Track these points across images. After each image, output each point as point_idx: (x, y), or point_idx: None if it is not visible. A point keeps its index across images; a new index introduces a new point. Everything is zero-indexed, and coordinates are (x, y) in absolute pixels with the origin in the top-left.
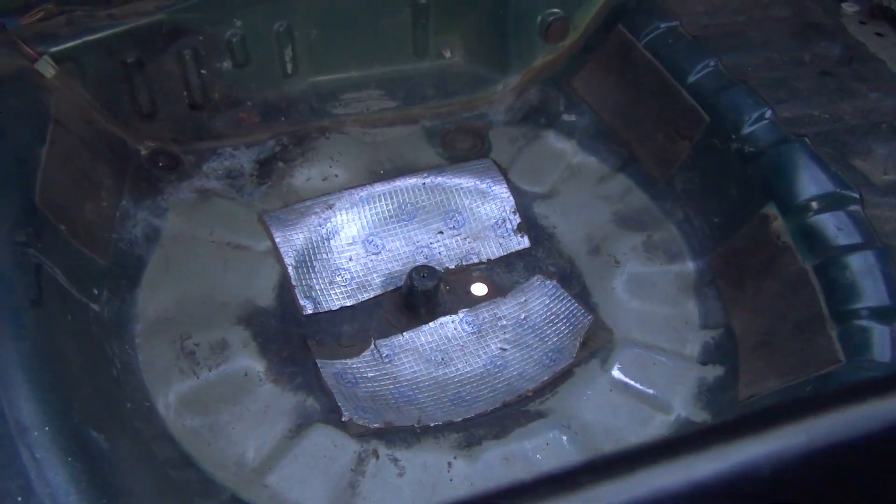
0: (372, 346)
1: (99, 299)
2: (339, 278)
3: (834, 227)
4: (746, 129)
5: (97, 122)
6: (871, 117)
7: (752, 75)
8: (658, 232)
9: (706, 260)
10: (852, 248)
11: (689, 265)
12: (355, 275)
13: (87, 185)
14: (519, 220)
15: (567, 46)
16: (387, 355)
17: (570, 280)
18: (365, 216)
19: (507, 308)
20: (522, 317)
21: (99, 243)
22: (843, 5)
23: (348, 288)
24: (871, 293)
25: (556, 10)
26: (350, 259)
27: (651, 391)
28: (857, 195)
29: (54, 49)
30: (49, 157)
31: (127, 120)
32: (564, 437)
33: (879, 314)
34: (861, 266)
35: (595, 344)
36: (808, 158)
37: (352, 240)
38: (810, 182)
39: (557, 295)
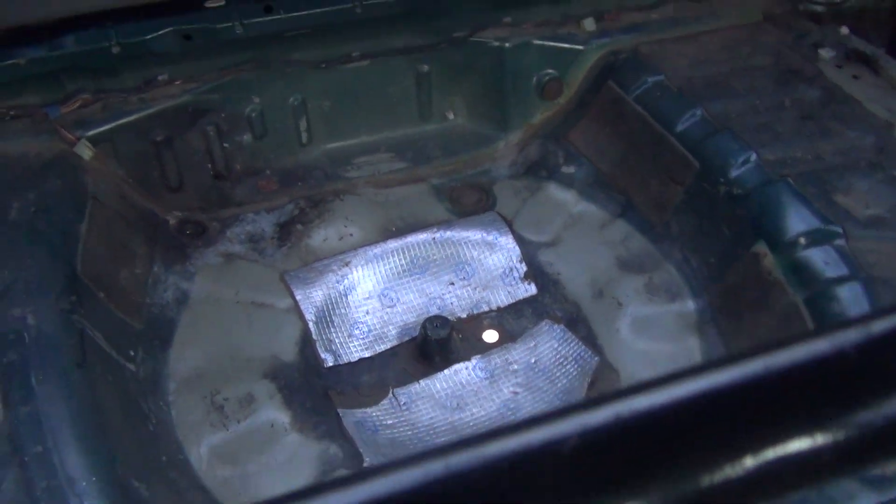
0: (390, 394)
1: (135, 360)
2: (357, 331)
3: (821, 261)
4: (734, 173)
5: (130, 197)
6: (851, 154)
7: (736, 121)
8: (658, 273)
9: (705, 298)
10: (839, 281)
11: (690, 304)
12: (372, 328)
13: (122, 253)
14: (525, 269)
15: (562, 103)
16: (404, 403)
17: (577, 324)
18: (379, 271)
19: (518, 353)
20: (532, 361)
21: (134, 308)
22: (820, 51)
23: (366, 340)
24: None
25: (550, 70)
26: (367, 313)
27: None
28: (840, 230)
29: (91, 133)
30: (88, 230)
31: (157, 193)
32: None
33: None
34: (848, 297)
35: (603, 385)
36: (792, 197)
37: (368, 294)
38: (796, 219)
39: (565, 338)
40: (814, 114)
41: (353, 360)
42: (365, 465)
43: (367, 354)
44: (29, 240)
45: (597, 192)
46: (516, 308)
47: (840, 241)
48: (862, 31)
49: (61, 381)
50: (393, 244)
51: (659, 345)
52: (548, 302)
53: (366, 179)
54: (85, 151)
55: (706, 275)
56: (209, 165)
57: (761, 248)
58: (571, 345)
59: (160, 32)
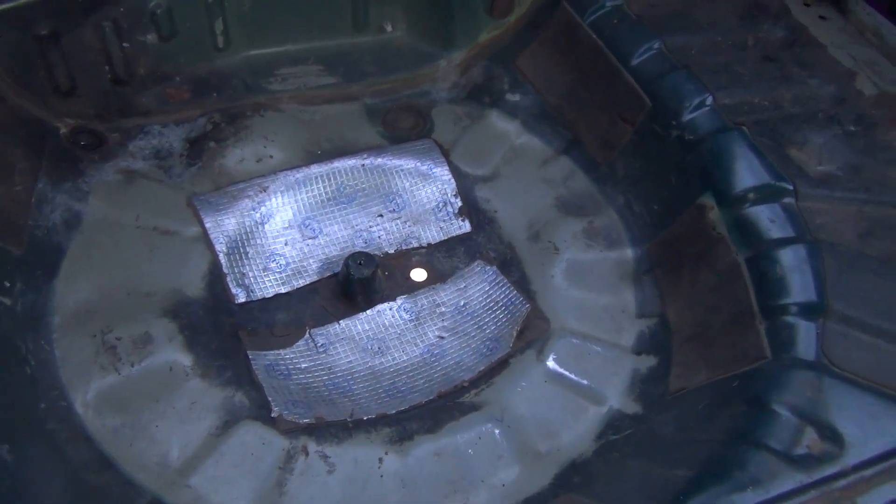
0: (307, 335)
1: (11, 292)
2: (273, 264)
3: (767, 219)
4: (687, 116)
5: (8, 99)
6: (810, 105)
7: (695, 59)
8: (598, 218)
9: (645, 248)
10: (784, 242)
11: (629, 252)
12: (290, 261)
13: None
14: (460, 204)
15: (512, 22)
16: (322, 344)
17: (510, 267)
18: (301, 199)
19: (447, 294)
20: (462, 304)
21: (11, 231)
22: None
23: (283, 275)
24: (800, 289)
25: None
26: (285, 244)
27: (585, 382)
28: (790, 187)
29: None
30: None
31: (43, 96)
32: (497, 431)
33: (807, 310)
34: (791, 261)
35: (532, 334)
36: (745, 148)
37: (287, 224)
38: (746, 173)
39: (497, 282)
40: (776, 56)
41: (267, 295)
42: (273, 414)
43: (283, 290)
44: None
45: (541, 124)
46: (448, 246)
47: (789, 199)
48: None
49: None
50: (317, 169)
51: (593, 294)
52: (482, 241)
53: (290, 94)
54: None
55: (648, 223)
56: (106, 68)
57: (708, 200)
58: (503, 289)
59: None
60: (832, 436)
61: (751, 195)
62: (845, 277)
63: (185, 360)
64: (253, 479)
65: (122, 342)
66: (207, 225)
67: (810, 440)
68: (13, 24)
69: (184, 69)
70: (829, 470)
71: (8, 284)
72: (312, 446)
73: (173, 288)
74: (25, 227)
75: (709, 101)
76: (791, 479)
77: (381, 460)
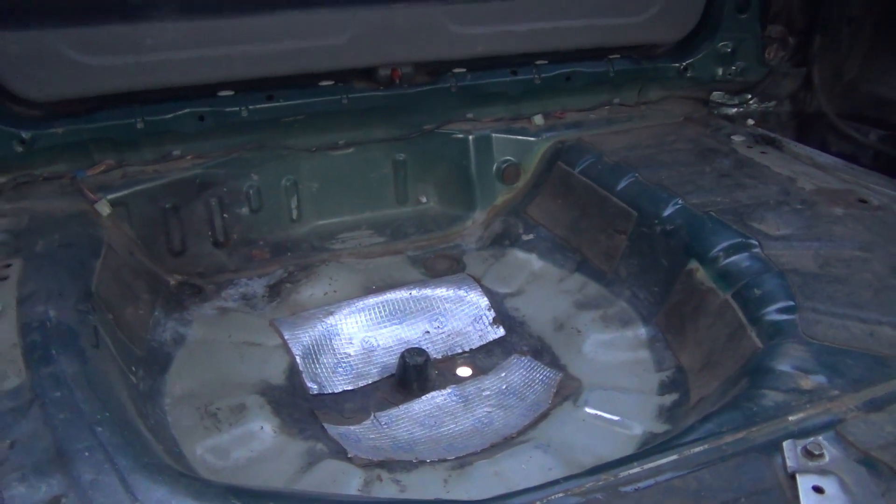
0: (371, 417)
1: (136, 375)
2: (340, 369)
3: (742, 264)
4: (665, 212)
5: (137, 255)
6: (761, 198)
7: (665, 181)
8: (611, 308)
9: (653, 321)
10: (758, 273)
11: (641, 330)
12: (354, 367)
13: (128, 294)
14: (494, 315)
15: (521, 185)
16: (385, 423)
17: (542, 353)
18: (360, 321)
19: (490, 382)
20: (504, 387)
21: (136, 338)
22: (733, 137)
23: (348, 376)
24: (777, 299)
25: (509, 157)
26: (349, 355)
27: (618, 418)
28: (756, 242)
29: (110, 196)
30: (102, 268)
31: (160, 256)
32: (545, 453)
33: (784, 311)
34: (766, 284)
35: (566, 391)
36: (715, 223)
37: (350, 339)
38: (719, 237)
39: (532, 366)
40: (729, 173)
41: (336, 391)
42: (349, 455)
43: (349, 387)
44: (51, 263)
45: (554, 253)
46: (487, 348)
47: (756, 250)
48: (766, 129)
49: (79, 355)
50: (373, 299)
51: (615, 359)
52: (515, 340)
53: (348, 251)
54: (104, 209)
55: (652, 301)
56: (210, 233)
57: (693, 264)
58: (538, 370)
59: (179, 113)
60: (817, 377)
61: (725, 251)
62: (810, 288)
63: (273, 422)
64: None
65: (222, 411)
66: (286, 337)
67: (803, 381)
68: (147, 199)
69: (266, 235)
70: (820, 395)
71: (134, 369)
72: (385, 475)
73: (260, 379)
74: (145, 339)
75: (680, 201)
76: (793, 404)
77: (445, 481)
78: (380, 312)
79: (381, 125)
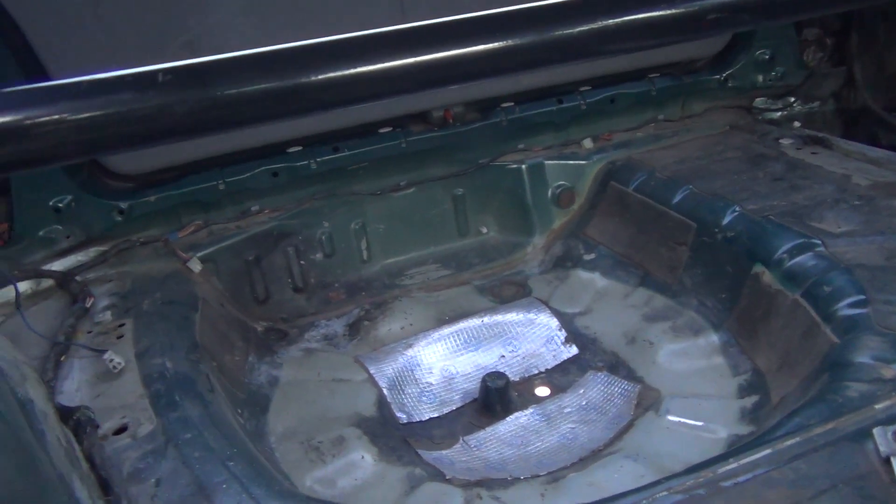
0: (461, 441)
1: (242, 416)
2: (425, 398)
3: (808, 264)
4: (725, 221)
5: (227, 306)
6: (818, 199)
7: (720, 190)
8: (681, 319)
9: (724, 328)
10: (825, 271)
11: (713, 337)
12: (437, 394)
13: (226, 343)
14: (565, 334)
15: (577, 209)
16: (475, 446)
17: (618, 367)
18: (438, 351)
19: (569, 399)
20: (584, 403)
21: (237, 383)
22: (781, 141)
23: (433, 404)
24: (848, 294)
25: (563, 182)
26: (431, 384)
27: (701, 423)
28: (819, 241)
29: (200, 254)
30: (201, 320)
31: (247, 305)
32: (636, 462)
33: (856, 305)
34: (834, 280)
35: (647, 402)
36: (776, 226)
37: (430, 369)
38: (782, 240)
39: (609, 381)
40: (783, 176)
41: (423, 419)
42: (447, 476)
43: (435, 415)
44: (159, 319)
45: (617, 270)
46: (562, 367)
47: (820, 249)
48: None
49: (199, 399)
50: (448, 329)
51: (691, 367)
52: (588, 357)
53: (418, 286)
54: (196, 266)
55: (721, 308)
56: (289, 280)
57: (759, 268)
58: (615, 384)
59: (255, 171)
60: None
61: (789, 253)
62: (879, 280)
63: (371, 451)
64: None
65: (323, 444)
66: (372, 371)
67: (884, 370)
68: (233, 254)
69: (340, 278)
70: None
71: (240, 411)
72: (484, 493)
73: (354, 412)
74: (244, 383)
75: (737, 208)
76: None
77: (542, 495)
78: (455, 341)
79: (438, 164)
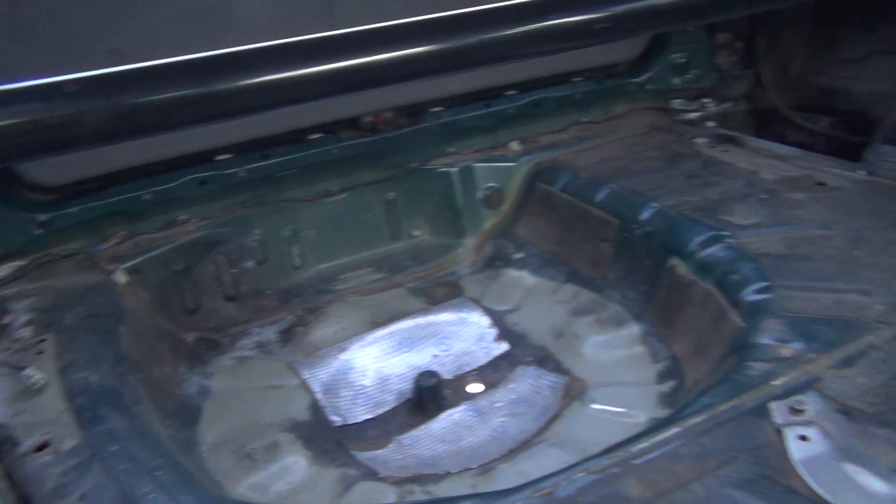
0: (395, 440)
1: (172, 427)
2: (359, 400)
3: (718, 255)
4: (643, 216)
5: (155, 317)
6: (729, 193)
7: (639, 188)
8: (605, 311)
9: (644, 319)
10: (733, 261)
11: (635, 327)
12: (371, 396)
13: (153, 354)
14: (496, 332)
15: (506, 209)
16: (408, 444)
17: (546, 361)
18: (372, 354)
19: (500, 394)
20: (514, 397)
21: (166, 395)
22: (696, 140)
23: (367, 406)
24: (753, 281)
25: (492, 184)
26: (365, 386)
27: (623, 410)
28: (729, 233)
29: (125, 265)
30: (126, 332)
31: (176, 316)
32: (562, 450)
33: (761, 291)
34: (741, 269)
35: (573, 392)
36: (689, 221)
37: (364, 371)
38: (694, 233)
39: (538, 374)
40: (697, 173)
41: (358, 421)
42: (381, 475)
43: (370, 416)
44: (82, 333)
45: (545, 267)
46: (494, 364)
47: (730, 240)
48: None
49: (125, 412)
50: (381, 332)
51: (614, 357)
52: (518, 353)
53: (352, 290)
54: (121, 278)
55: (641, 300)
56: (220, 289)
57: (674, 261)
58: (544, 377)
59: (182, 180)
60: (795, 345)
61: (701, 245)
62: (781, 268)
63: (305, 454)
64: None
65: (256, 451)
66: (305, 377)
67: (783, 350)
68: (161, 264)
69: (273, 285)
70: (799, 360)
71: (169, 422)
72: (417, 488)
73: (287, 417)
74: (174, 394)
75: (655, 205)
76: (777, 371)
77: (473, 486)
78: (389, 343)
79: (369, 169)
